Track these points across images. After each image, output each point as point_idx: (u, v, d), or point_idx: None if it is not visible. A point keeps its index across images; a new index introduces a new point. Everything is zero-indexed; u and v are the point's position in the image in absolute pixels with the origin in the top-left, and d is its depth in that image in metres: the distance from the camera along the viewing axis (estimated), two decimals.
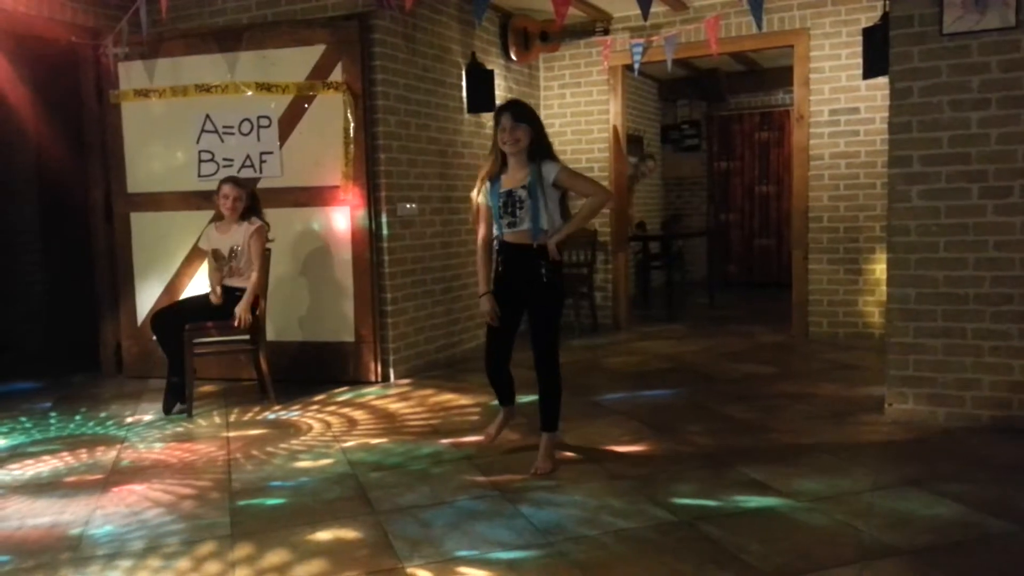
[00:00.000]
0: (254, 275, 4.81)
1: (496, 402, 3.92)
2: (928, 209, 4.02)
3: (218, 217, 4.95)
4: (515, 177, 3.51)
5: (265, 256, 4.90)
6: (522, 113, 3.49)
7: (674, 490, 3.27)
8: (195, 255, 5.46)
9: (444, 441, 4.05)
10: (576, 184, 3.54)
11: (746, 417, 4.36)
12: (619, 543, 2.79)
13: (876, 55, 4.89)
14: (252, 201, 4.94)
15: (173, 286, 5.60)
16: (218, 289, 4.81)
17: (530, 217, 3.46)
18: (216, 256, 4.88)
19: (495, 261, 3.65)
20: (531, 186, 3.44)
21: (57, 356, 6.60)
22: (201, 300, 4.90)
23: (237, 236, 4.85)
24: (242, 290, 4.82)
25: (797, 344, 6.47)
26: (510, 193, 3.48)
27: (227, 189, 4.84)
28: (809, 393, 4.83)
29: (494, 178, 3.55)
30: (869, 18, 5.93)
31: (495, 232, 3.60)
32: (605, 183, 7.31)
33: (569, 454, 3.77)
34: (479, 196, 3.61)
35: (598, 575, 2.58)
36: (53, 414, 4.85)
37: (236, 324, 4.69)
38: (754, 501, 3.14)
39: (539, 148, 3.49)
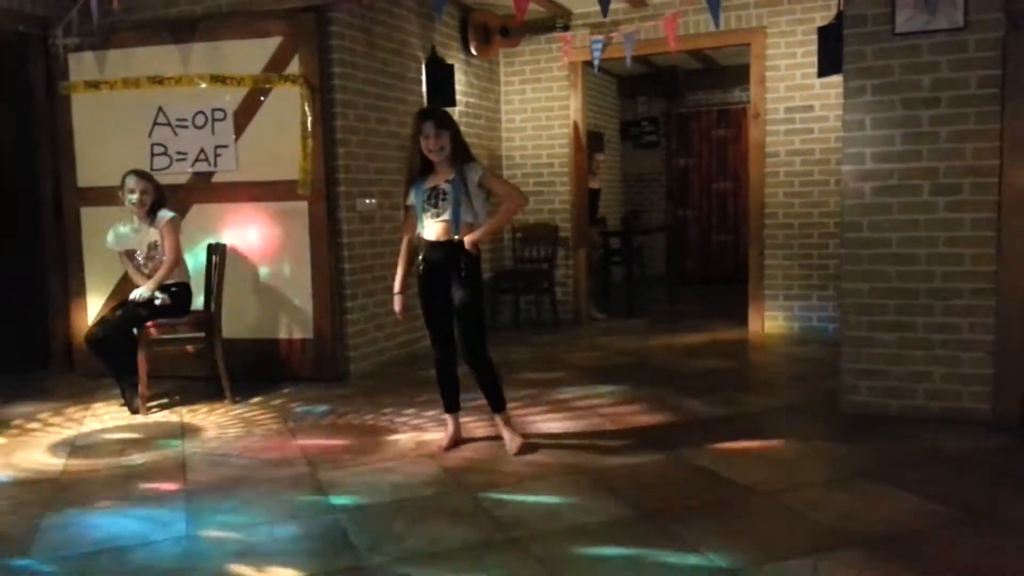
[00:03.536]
0: (165, 264, 4.66)
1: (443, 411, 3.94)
2: (881, 206, 4.10)
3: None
4: (440, 175, 3.67)
5: (179, 248, 4.76)
6: (444, 121, 3.64)
7: (634, 483, 3.30)
8: None
9: (403, 437, 4.03)
10: (496, 186, 3.75)
11: (705, 411, 4.40)
12: (581, 537, 2.81)
13: (830, 53, 4.98)
14: (159, 195, 4.77)
15: (124, 283, 5.47)
16: (151, 287, 4.60)
17: (452, 208, 3.60)
18: (130, 256, 4.75)
19: (416, 261, 3.76)
20: (455, 182, 3.61)
21: (5, 353, 6.41)
22: (136, 306, 4.65)
23: (150, 234, 4.71)
24: (178, 284, 4.75)
25: (754, 339, 6.56)
26: (434, 188, 3.65)
27: (132, 183, 4.65)
28: (766, 387, 4.90)
29: (417, 180, 3.70)
30: (824, 17, 6.03)
31: (418, 230, 3.74)
32: (565, 179, 7.35)
33: (528, 450, 3.79)
34: (408, 199, 3.75)
35: (561, 571, 2.58)
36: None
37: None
38: (712, 493, 3.18)
39: (460, 151, 3.66)
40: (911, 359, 4.10)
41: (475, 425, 4.11)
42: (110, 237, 4.79)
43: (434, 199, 3.64)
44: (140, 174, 4.73)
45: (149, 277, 4.71)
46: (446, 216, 3.62)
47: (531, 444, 3.80)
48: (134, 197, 4.64)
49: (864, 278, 4.16)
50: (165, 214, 4.74)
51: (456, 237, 3.61)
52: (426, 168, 3.68)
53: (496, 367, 3.82)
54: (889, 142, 4.06)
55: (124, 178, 4.69)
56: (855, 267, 4.18)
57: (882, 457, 3.56)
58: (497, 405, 3.82)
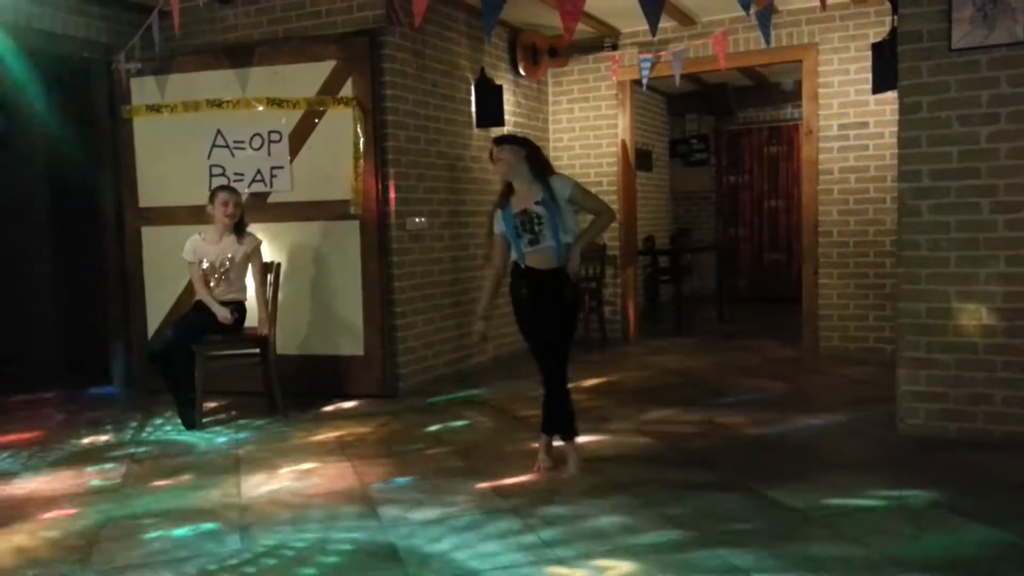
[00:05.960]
0: (261, 294, 4.87)
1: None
2: (938, 224, 4.01)
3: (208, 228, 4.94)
4: (525, 197, 3.58)
5: (264, 271, 4.96)
6: (509, 137, 3.69)
7: (686, 507, 3.26)
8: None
9: (452, 454, 4.05)
10: (587, 202, 3.67)
11: (758, 433, 4.33)
12: (632, 559, 2.78)
13: (885, 70, 4.90)
14: (243, 212, 4.97)
15: (183, 300, 5.61)
16: (223, 308, 4.78)
17: (551, 233, 3.52)
18: (200, 265, 4.87)
19: (519, 287, 3.65)
20: (545, 201, 3.52)
21: (67, 369, 6.62)
22: (199, 320, 4.82)
23: (230, 248, 4.87)
24: (236, 303, 4.87)
25: (807, 359, 6.44)
26: (524, 211, 3.55)
27: (225, 196, 4.87)
28: (821, 409, 4.80)
29: (504, 206, 3.62)
30: (877, 33, 5.93)
31: (514, 257, 3.64)
32: (614, 197, 7.33)
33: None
34: (495, 227, 3.68)
35: None
36: (65, 427, 4.85)
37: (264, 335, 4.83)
38: (765, 517, 3.13)
39: (539, 166, 3.61)
40: (971, 381, 3.99)
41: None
42: (188, 250, 4.92)
43: (528, 224, 3.53)
44: (231, 190, 4.95)
45: (216, 287, 4.86)
46: (547, 243, 3.52)
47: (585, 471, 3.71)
48: (227, 209, 4.83)
49: (922, 297, 4.06)
50: (255, 238, 4.93)
51: (561, 263, 3.53)
52: (507, 194, 3.63)
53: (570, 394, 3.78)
54: (946, 159, 3.98)
55: (217, 192, 4.90)
56: (912, 286, 4.09)
57: (942, 483, 3.45)
58: (572, 431, 3.74)
